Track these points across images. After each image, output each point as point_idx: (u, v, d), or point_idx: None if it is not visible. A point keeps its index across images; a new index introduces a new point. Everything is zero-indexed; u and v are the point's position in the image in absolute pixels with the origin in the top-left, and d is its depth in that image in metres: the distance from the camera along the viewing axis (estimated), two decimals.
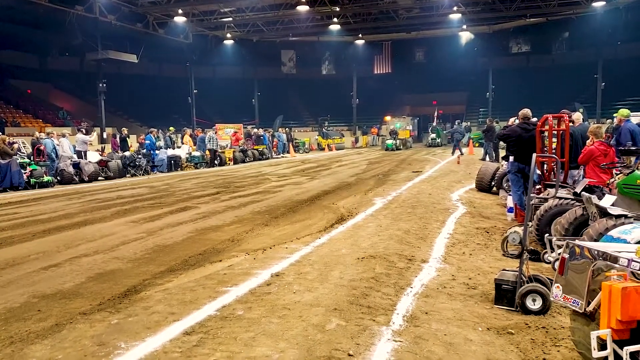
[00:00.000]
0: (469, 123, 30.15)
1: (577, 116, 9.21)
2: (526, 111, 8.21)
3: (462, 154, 25.14)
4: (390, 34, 43.42)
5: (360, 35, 43.24)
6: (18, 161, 15.74)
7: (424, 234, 7.34)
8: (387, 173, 17.54)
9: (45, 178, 16.16)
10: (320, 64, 47.72)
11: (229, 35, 40.25)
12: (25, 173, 15.72)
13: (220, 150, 24.70)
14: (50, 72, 39.57)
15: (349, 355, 3.47)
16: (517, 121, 14.98)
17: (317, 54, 47.02)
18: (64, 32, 30.61)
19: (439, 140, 37.05)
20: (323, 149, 37.76)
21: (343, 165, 22.42)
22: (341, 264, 5.71)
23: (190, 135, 25.29)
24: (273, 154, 30.29)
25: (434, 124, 38.72)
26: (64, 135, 18.78)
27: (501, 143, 23.11)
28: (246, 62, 44.06)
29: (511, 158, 7.98)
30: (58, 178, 16.93)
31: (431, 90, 45.80)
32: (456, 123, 30.39)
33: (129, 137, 23.31)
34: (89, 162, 18.04)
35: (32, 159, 16.85)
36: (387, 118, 41.48)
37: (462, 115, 41.44)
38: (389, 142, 34.18)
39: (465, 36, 42.91)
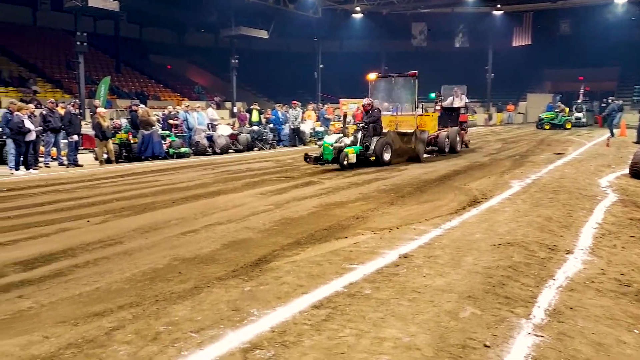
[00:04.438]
0: (621, 101, 26.89)
1: None
2: None
3: (612, 135, 22.68)
4: (532, 4, 40.32)
5: (498, 5, 40.55)
6: (159, 132, 17.01)
7: (568, 222, 6.66)
8: (524, 154, 16.38)
9: (183, 149, 17.35)
10: (453, 36, 45.73)
11: (358, 8, 40.03)
12: (165, 144, 16.90)
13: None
14: (187, 48, 42.45)
15: (485, 346, 3.22)
16: None
17: (450, 26, 45.11)
18: (201, 10, 32.58)
19: (584, 120, 33.67)
20: None
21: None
22: (475, 249, 5.37)
23: (314, 110, 25.59)
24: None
25: (579, 101, 35.26)
26: (197, 109, 19.95)
27: None
28: (374, 36, 43.53)
29: None
30: (193, 149, 18.04)
31: (576, 65, 41.81)
32: (610, 100, 27.09)
33: (261, 112, 23.84)
34: (221, 135, 19.08)
35: (170, 130, 18.12)
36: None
37: (613, 92, 37.13)
38: (328, 141, 13.37)
39: (621, 4, 38.24)
